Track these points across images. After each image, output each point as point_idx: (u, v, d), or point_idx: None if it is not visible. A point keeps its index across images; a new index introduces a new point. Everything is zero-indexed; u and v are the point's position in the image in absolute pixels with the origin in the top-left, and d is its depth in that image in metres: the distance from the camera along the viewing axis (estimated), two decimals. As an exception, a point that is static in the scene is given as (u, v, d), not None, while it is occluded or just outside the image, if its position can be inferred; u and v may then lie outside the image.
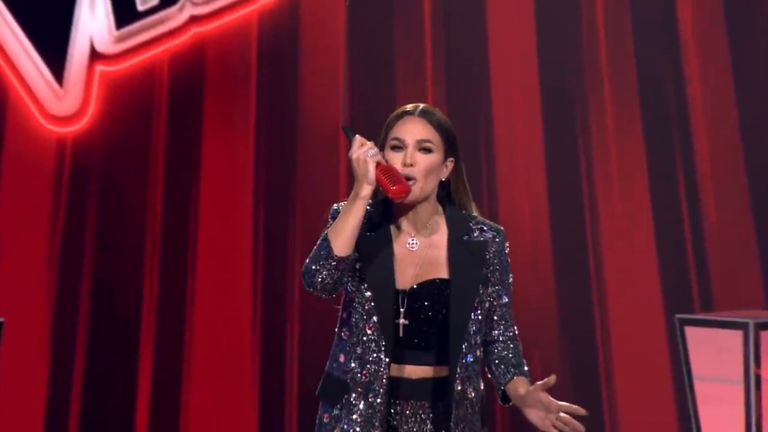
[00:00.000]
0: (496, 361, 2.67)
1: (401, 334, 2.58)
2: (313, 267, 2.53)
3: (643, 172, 5.11)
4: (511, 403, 2.63)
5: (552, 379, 2.47)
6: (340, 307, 2.67)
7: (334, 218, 2.59)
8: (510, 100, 5.21)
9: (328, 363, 2.67)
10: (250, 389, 5.11)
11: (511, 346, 2.69)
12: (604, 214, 5.10)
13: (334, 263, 2.51)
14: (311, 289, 2.55)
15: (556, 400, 2.49)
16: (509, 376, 2.63)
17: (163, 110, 5.27)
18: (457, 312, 2.58)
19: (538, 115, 5.19)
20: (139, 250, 5.18)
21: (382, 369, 2.56)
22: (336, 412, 2.61)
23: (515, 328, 2.71)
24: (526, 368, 2.67)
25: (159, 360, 5.14)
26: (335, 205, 2.67)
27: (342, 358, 2.62)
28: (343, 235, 2.52)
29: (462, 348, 2.58)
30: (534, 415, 2.53)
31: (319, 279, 2.53)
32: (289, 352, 5.09)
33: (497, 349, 2.67)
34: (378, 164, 2.54)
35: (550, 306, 5.03)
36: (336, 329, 2.67)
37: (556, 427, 2.49)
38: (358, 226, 2.52)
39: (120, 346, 5.13)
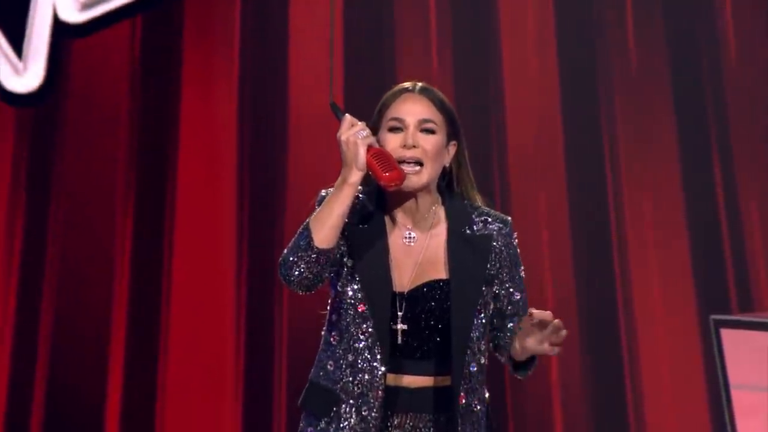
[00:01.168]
0: (507, 338, 2.59)
1: (399, 341, 2.51)
2: (291, 258, 2.45)
3: (675, 161, 4.97)
4: (529, 370, 2.59)
5: (546, 315, 2.40)
6: (328, 308, 2.60)
7: (321, 203, 2.51)
8: (524, 78, 5.10)
9: (313, 370, 2.59)
10: (233, 400, 5.01)
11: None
12: (630, 205, 4.96)
13: (314, 256, 2.44)
14: (287, 284, 2.48)
15: (542, 312, 2.41)
16: (513, 336, 2.55)
17: (137, 85, 5.16)
18: (458, 316, 2.51)
19: (556, 99, 5.06)
20: (108, 243, 5.07)
21: (377, 379, 2.49)
22: (323, 425, 2.54)
23: None
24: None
25: (130, 367, 5.00)
26: (323, 190, 2.58)
27: (331, 366, 2.55)
28: (326, 225, 2.44)
29: (466, 356, 2.51)
30: (531, 343, 2.46)
31: (296, 272, 2.46)
32: (278, 358, 4.97)
33: (507, 334, 2.59)
34: (370, 147, 2.47)
35: (570, 308, 4.86)
36: (323, 333, 2.61)
37: (553, 343, 2.43)
38: (343, 216, 2.45)
39: (87, 348, 5.00)
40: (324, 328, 2.61)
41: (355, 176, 2.45)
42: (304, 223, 2.46)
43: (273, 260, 4.84)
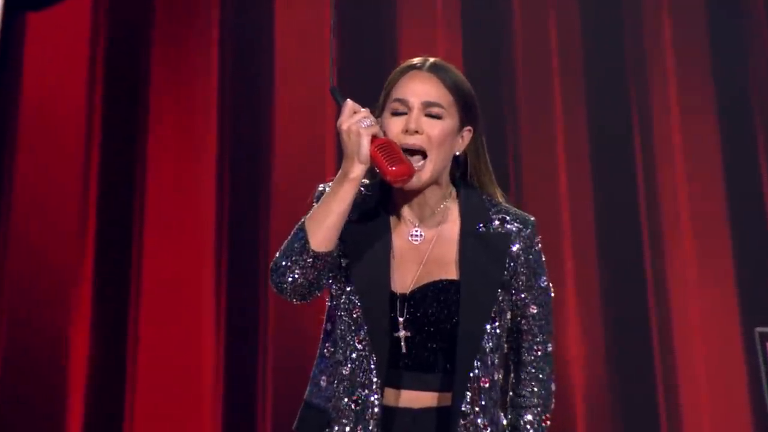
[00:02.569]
0: (511, 395, 2.52)
1: (403, 350, 2.39)
2: (284, 263, 2.35)
3: (717, 160, 4.91)
4: None
5: None
6: (325, 315, 2.50)
7: (319, 200, 2.44)
8: (541, 53, 5.02)
9: (308, 389, 2.50)
10: (211, 416, 4.81)
11: (533, 372, 2.50)
12: (666, 207, 4.89)
13: (309, 260, 2.34)
14: (279, 292, 2.38)
15: None
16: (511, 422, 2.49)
17: (99, 64, 5.01)
18: (466, 322, 2.39)
19: (580, 77, 5.00)
20: (68, 242, 4.90)
21: (373, 395, 2.37)
22: None
23: (549, 345, 2.52)
24: (539, 417, 2.49)
25: (94, 386, 4.81)
26: (321, 185, 2.51)
27: (323, 382, 2.45)
28: (323, 225, 2.34)
29: (474, 369, 2.39)
30: None
31: (290, 279, 2.35)
32: (261, 376, 4.80)
33: (516, 377, 2.52)
34: (374, 138, 2.37)
35: (595, 322, 4.78)
36: (319, 346, 2.50)
37: None
38: (343, 215, 2.35)
39: (41, 362, 4.79)
40: (320, 340, 2.50)
41: (357, 170, 2.34)
42: (299, 223, 2.35)
43: (256, 261, 4.83)
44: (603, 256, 4.83)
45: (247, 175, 4.95)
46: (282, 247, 2.36)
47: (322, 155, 4.89)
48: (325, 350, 2.47)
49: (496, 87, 4.94)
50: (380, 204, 2.49)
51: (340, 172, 2.36)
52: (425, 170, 2.42)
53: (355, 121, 2.35)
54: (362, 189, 2.46)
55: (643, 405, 4.73)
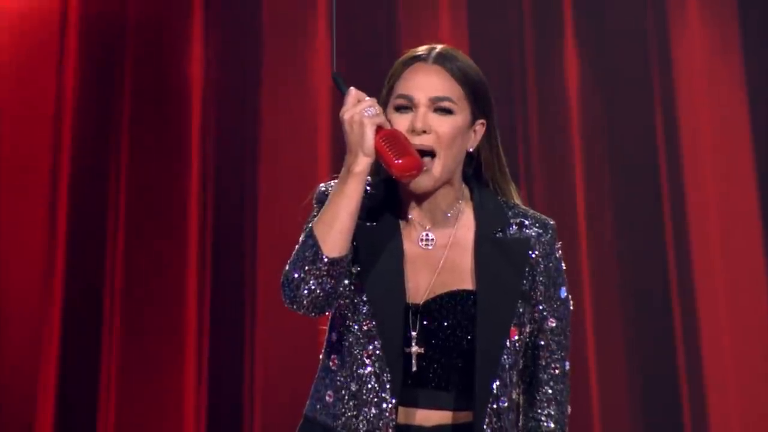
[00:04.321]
0: (524, 419, 2.48)
1: (414, 367, 2.33)
2: (297, 275, 2.28)
3: (747, 149, 4.80)
4: None
5: None
6: (327, 325, 2.45)
7: (321, 202, 2.39)
8: (553, 36, 4.96)
9: (308, 403, 2.45)
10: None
11: (550, 393, 2.44)
12: (693, 199, 4.83)
13: (325, 268, 2.26)
14: (296, 307, 2.31)
15: None
16: None
17: (71, 63, 4.98)
18: (485, 337, 2.34)
19: (598, 69, 4.94)
20: (39, 250, 4.90)
21: (386, 413, 2.31)
22: None
23: (566, 364, 2.47)
24: None
25: (65, 391, 4.80)
26: (323, 185, 2.45)
27: (330, 398, 2.37)
28: (334, 229, 2.26)
29: (493, 387, 2.33)
30: None
31: (305, 291, 2.27)
32: (248, 391, 4.75)
33: (531, 398, 2.47)
34: (379, 129, 2.29)
35: (614, 328, 4.75)
36: (321, 357, 2.45)
37: None
38: (354, 214, 2.28)
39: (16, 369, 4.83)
40: (322, 351, 2.46)
41: (362, 164, 2.27)
42: (307, 229, 2.31)
43: (240, 269, 4.84)
44: (623, 255, 4.81)
45: (233, 179, 4.95)
46: (291, 259, 2.30)
47: (313, 152, 4.86)
48: (331, 363, 2.41)
49: (506, 71, 4.90)
50: (387, 204, 2.44)
51: (344, 169, 2.31)
52: (435, 171, 2.36)
53: (359, 110, 2.29)
54: (366, 187, 2.39)
55: (667, 410, 4.73)
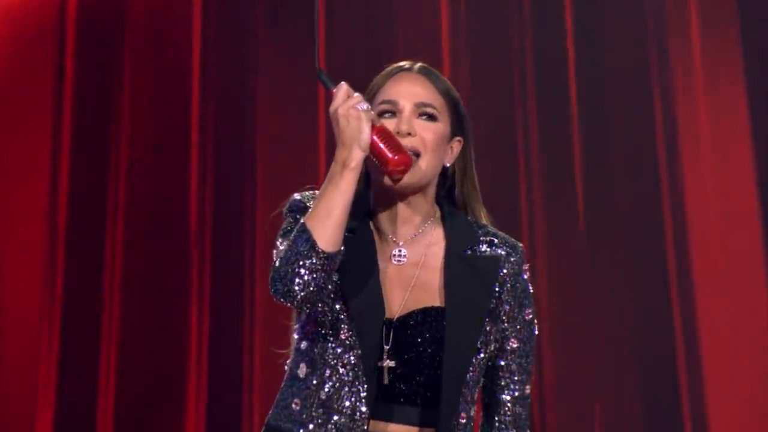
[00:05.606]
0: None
1: (385, 381, 2.33)
2: (289, 269, 2.24)
3: (746, 139, 4.75)
4: None
5: None
6: (296, 332, 2.43)
7: (296, 212, 2.39)
8: (552, 36, 4.94)
9: (271, 411, 2.43)
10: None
11: (509, 415, 2.43)
12: (692, 200, 4.79)
13: (319, 262, 2.23)
14: (288, 300, 2.27)
15: None
16: None
17: (69, 61, 5.00)
18: (453, 354, 2.33)
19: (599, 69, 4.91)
20: (37, 247, 4.94)
21: (358, 423, 2.30)
22: None
23: (527, 387, 2.47)
24: None
25: (65, 385, 4.82)
26: (297, 195, 2.44)
27: (296, 405, 2.36)
28: (329, 223, 2.24)
29: (458, 403, 2.35)
30: None
31: (299, 285, 2.24)
32: (248, 391, 4.78)
33: (491, 419, 2.45)
34: (372, 125, 2.30)
35: (616, 333, 4.72)
36: (287, 366, 2.45)
37: None
38: (347, 210, 2.27)
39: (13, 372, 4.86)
40: (288, 358, 2.46)
41: (357, 158, 2.26)
42: (299, 225, 2.27)
43: (241, 270, 4.86)
44: (623, 254, 4.79)
45: (233, 172, 4.96)
46: (282, 255, 2.27)
47: (314, 152, 4.86)
48: (299, 371, 2.39)
49: (505, 71, 4.86)
50: (361, 218, 2.43)
51: (334, 164, 2.28)
52: (417, 169, 2.36)
53: (353, 104, 2.29)
54: None
55: (667, 412, 4.72)
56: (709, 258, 4.78)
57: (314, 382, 2.34)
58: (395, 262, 2.40)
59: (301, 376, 2.37)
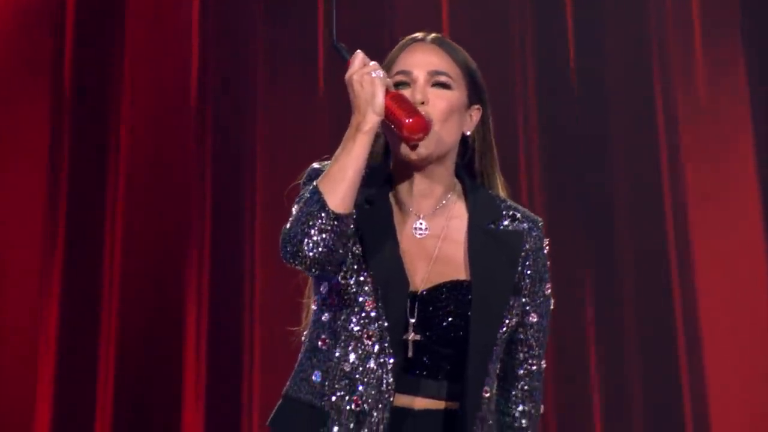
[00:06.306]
0: (497, 415, 2.48)
1: (410, 353, 2.33)
2: (300, 229, 2.26)
3: (748, 134, 4.74)
4: None
5: None
6: (314, 304, 2.43)
7: (313, 179, 2.37)
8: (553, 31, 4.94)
9: (289, 383, 2.42)
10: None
11: (526, 389, 2.45)
12: (693, 197, 4.77)
13: (329, 223, 2.24)
14: (296, 262, 2.28)
15: None
16: None
17: (67, 59, 4.98)
18: (479, 328, 2.33)
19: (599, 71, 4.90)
20: (35, 242, 4.92)
21: (384, 395, 2.30)
22: None
23: (543, 362, 2.49)
24: None
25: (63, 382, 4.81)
26: (316, 163, 2.45)
27: (317, 377, 2.34)
28: (341, 185, 2.26)
29: (484, 378, 2.36)
30: None
31: (310, 245, 2.24)
32: (247, 391, 4.76)
33: (506, 393, 2.47)
34: (386, 90, 2.31)
35: (617, 332, 4.73)
36: (303, 337, 2.46)
37: None
38: (360, 174, 2.28)
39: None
40: (306, 331, 2.45)
41: (371, 121, 2.27)
42: (311, 187, 2.29)
43: (240, 259, 4.83)
44: (624, 257, 4.78)
45: (232, 165, 4.93)
46: (293, 217, 2.29)
47: (314, 150, 4.78)
48: (320, 342, 2.38)
49: (506, 67, 4.88)
50: (382, 190, 2.44)
51: (349, 129, 2.30)
52: (431, 139, 2.36)
53: (368, 71, 2.31)
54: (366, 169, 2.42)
55: (669, 414, 4.71)
56: (710, 257, 4.75)
57: (337, 354, 2.33)
58: (417, 235, 2.41)
59: (323, 348, 2.37)
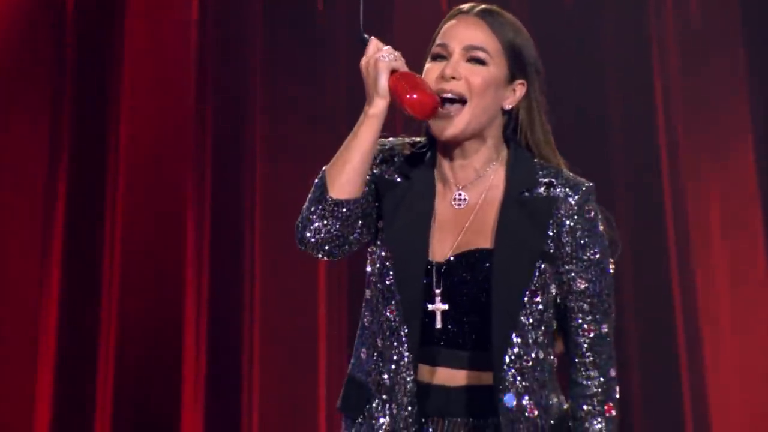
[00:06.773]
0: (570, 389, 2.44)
1: (438, 324, 2.33)
2: (305, 215, 2.33)
3: (747, 135, 4.71)
4: None
5: None
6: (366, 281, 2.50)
7: None
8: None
9: (351, 362, 2.47)
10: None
11: (588, 355, 2.37)
12: (693, 198, 4.76)
13: (328, 208, 2.29)
14: (302, 246, 2.35)
15: None
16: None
17: (68, 53, 4.95)
18: (501, 294, 2.32)
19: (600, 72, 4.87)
20: (34, 241, 4.89)
21: (403, 369, 2.32)
22: (356, 427, 2.38)
23: (604, 326, 2.39)
24: (601, 408, 2.38)
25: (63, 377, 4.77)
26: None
27: (364, 354, 2.40)
28: (345, 170, 2.29)
29: (514, 346, 2.31)
30: None
31: (309, 232, 2.31)
32: (247, 391, 4.70)
33: (571, 362, 2.42)
34: (393, 71, 2.31)
35: (617, 331, 4.47)
36: (361, 315, 2.50)
37: None
38: (367, 157, 2.31)
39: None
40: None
41: (377, 105, 2.29)
42: (321, 172, 2.34)
43: (241, 244, 4.80)
44: (624, 257, 4.62)
45: (232, 157, 4.92)
46: (306, 203, 2.36)
47: (314, 150, 4.80)
48: (365, 319, 2.43)
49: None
50: (427, 164, 2.44)
51: (362, 115, 2.33)
52: (462, 117, 2.34)
53: (375, 56, 2.33)
54: (411, 146, 2.46)
55: (669, 414, 4.69)
56: (710, 257, 4.73)
57: (373, 330, 2.38)
58: (455, 206, 2.40)
59: (366, 324, 2.42)
